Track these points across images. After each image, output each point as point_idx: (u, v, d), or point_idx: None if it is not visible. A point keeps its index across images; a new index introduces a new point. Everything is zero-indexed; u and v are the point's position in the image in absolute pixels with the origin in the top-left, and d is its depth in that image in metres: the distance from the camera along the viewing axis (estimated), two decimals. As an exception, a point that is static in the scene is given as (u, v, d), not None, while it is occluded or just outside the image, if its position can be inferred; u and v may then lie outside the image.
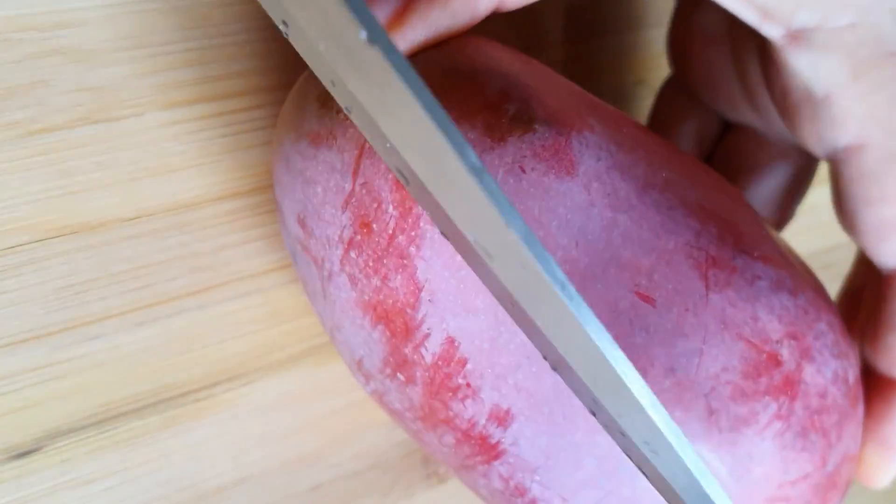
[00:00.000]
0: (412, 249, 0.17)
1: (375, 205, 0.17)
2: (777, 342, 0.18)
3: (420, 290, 0.17)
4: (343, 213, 0.18)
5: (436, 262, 0.17)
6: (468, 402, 0.18)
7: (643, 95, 0.31)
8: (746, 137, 0.26)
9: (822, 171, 0.34)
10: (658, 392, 0.17)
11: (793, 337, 0.18)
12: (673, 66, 0.27)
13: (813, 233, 0.37)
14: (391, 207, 0.17)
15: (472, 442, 0.18)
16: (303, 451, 0.26)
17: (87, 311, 0.22)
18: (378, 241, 0.17)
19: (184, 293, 0.23)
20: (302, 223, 0.19)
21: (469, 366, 0.17)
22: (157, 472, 0.24)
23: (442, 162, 0.13)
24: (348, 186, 0.18)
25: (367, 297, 0.18)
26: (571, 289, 0.13)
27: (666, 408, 0.17)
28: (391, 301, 0.18)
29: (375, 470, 0.28)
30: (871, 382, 0.22)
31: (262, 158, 0.24)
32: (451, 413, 0.18)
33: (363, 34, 0.12)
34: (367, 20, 0.12)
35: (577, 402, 0.17)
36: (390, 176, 0.17)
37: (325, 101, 0.18)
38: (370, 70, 0.13)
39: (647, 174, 0.18)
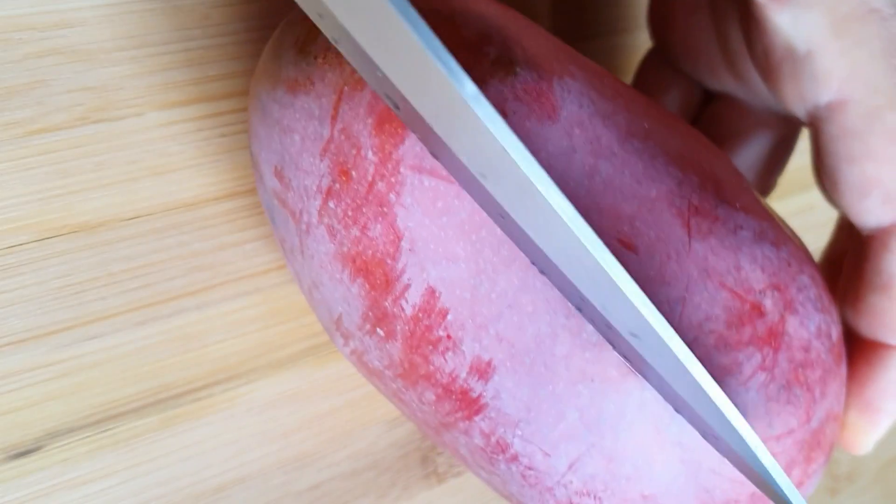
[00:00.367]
0: (392, 196, 0.17)
1: (354, 151, 0.17)
2: (760, 292, 0.18)
3: (400, 238, 0.17)
4: (321, 160, 0.17)
5: (416, 210, 0.17)
6: (448, 354, 0.18)
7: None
8: (727, 107, 0.26)
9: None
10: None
11: (776, 288, 0.18)
12: (654, 37, 0.27)
13: (813, 233, 0.37)
14: (370, 153, 0.17)
15: (453, 397, 0.18)
16: (302, 450, 0.26)
17: (87, 311, 0.22)
18: (357, 189, 0.17)
19: (183, 293, 0.23)
20: (279, 175, 0.18)
21: (450, 317, 0.17)
22: (156, 472, 0.24)
23: (437, 88, 0.13)
24: (326, 133, 0.17)
25: (345, 249, 0.17)
26: (564, 200, 0.13)
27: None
28: (370, 252, 0.17)
29: (374, 469, 0.28)
30: (853, 346, 0.22)
31: (261, 158, 0.24)
32: (431, 367, 0.18)
33: None
34: None
35: (559, 352, 0.17)
36: (369, 120, 0.17)
37: (303, 48, 0.18)
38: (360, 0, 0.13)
39: (628, 122, 0.18)
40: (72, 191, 0.21)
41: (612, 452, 0.17)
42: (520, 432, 0.18)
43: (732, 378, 0.17)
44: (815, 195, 0.35)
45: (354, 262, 0.18)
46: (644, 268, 0.17)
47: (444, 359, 0.18)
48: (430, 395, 0.18)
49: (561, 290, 0.17)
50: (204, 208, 0.23)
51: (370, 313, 0.18)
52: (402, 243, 0.17)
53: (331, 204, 0.17)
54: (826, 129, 0.19)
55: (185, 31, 0.21)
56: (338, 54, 0.17)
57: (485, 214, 0.17)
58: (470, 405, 0.18)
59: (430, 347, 0.18)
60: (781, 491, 0.16)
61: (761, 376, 0.18)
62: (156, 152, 0.22)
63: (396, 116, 0.16)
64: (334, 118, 0.17)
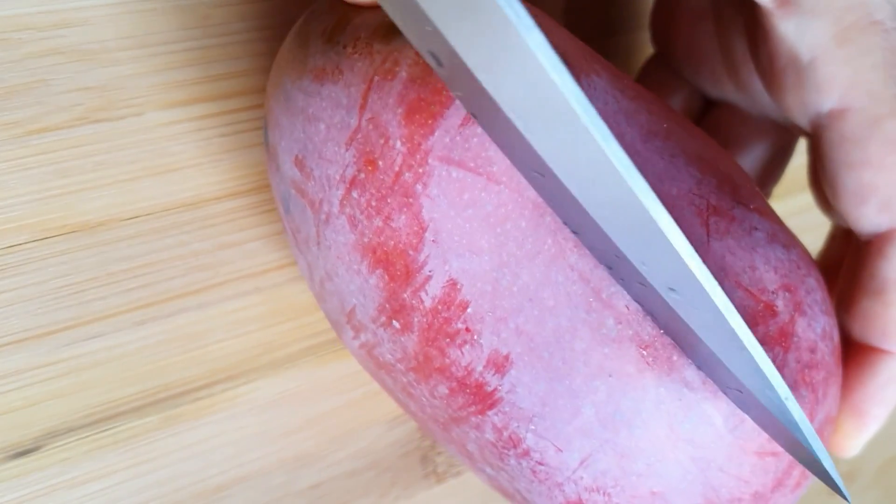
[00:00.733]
0: (419, 187, 0.17)
1: (382, 140, 0.17)
2: (773, 293, 0.18)
3: (424, 229, 0.17)
4: (347, 150, 0.17)
5: (442, 201, 0.17)
6: (466, 348, 0.18)
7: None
8: (727, 114, 0.27)
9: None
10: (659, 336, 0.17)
11: (787, 289, 0.18)
12: (656, 44, 0.27)
13: (813, 233, 0.37)
14: (399, 143, 0.17)
15: (467, 391, 0.18)
16: (302, 449, 0.26)
17: (87, 311, 0.22)
18: (383, 179, 0.17)
19: (183, 292, 0.23)
20: (300, 164, 0.18)
21: (470, 309, 0.17)
22: (156, 472, 0.24)
23: (494, 37, 0.13)
24: (354, 122, 0.17)
25: (367, 240, 0.17)
26: (619, 147, 0.13)
27: (666, 354, 0.17)
28: (393, 242, 0.17)
29: (374, 469, 0.28)
30: (846, 350, 0.22)
31: (262, 158, 0.24)
32: (447, 360, 0.18)
33: None
34: None
35: (578, 347, 0.17)
36: (399, 110, 0.17)
37: (331, 37, 0.18)
38: None
39: (649, 122, 0.18)
40: (72, 190, 0.21)
41: (625, 449, 0.18)
42: (533, 427, 0.18)
43: None
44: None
45: (375, 252, 0.17)
46: None
47: (461, 352, 0.18)
48: (443, 389, 0.18)
49: (593, 249, 0.16)
50: (204, 208, 0.23)
51: (387, 305, 0.18)
52: (426, 234, 0.17)
53: (354, 193, 0.17)
54: (827, 136, 0.20)
55: (185, 31, 0.21)
56: (368, 43, 0.17)
57: (510, 207, 0.17)
58: (484, 399, 0.18)
59: (448, 340, 0.18)
60: (809, 445, 0.16)
61: None
62: (156, 152, 0.22)
63: (427, 107, 0.16)
64: (363, 107, 0.17)
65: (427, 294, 0.17)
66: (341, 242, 0.18)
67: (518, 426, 0.18)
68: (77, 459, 0.23)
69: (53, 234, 0.21)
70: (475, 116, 0.16)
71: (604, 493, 0.18)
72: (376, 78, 0.17)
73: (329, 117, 0.18)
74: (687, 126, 0.20)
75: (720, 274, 0.18)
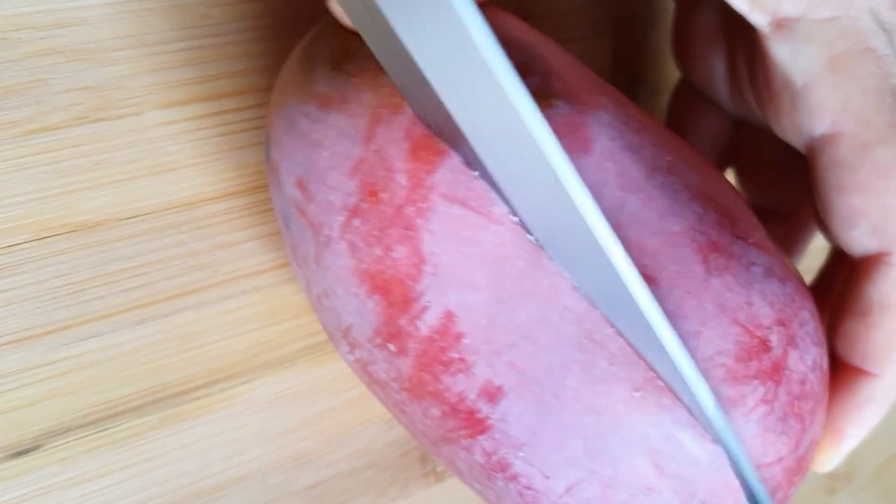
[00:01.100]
0: (420, 221, 0.17)
1: (386, 173, 0.17)
2: (768, 328, 0.18)
3: (424, 262, 0.17)
4: (350, 179, 0.17)
5: (443, 236, 0.17)
6: (460, 376, 0.18)
7: (640, 93, 0.31)
8: (754, 135, 0.27)
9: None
10: (654, 373, 0.18)
11: (781, 324, 0.18)
12: (678, 66, 0.27)
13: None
14: (403, 177, 0.17)
15: (459, 416, 0.18)
16: (300, 449, 0.26)
17: (85, 310, 0.22)
18: (385, 211, 0.17)
19: (181, 292, 0.23)
20: (302, 187, 0.18)
21: (465, 340, 0.17)
22: (154, 471, 0.24)
23: (494, 109, 0.13)
24: (359, 153, 0.17)
25: (365, 266, 0.18)
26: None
27: (655, 396, 0.18)
28: (392, 272, 0.17)
29: (372, 468, 0.28)
30: (830, 368, 0.22)
31: (260, 157, 0.24)
32: (440, 386, 0.18)
33: None
34: None
35: (569, 384, 0.17)
36: (405, 145, 0.17)
37: (338, 64, 0.18)
38: None
39: (653, 156, 0.19)
40: (70, 190, 0.21)
41: (610, 480, 0.18)
42: (522, 454, 0.18)
43: (736, 409, 0.18)
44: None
45: (373, 279, 0.18)
46: (664, 301, 0.17)
47: (455, 379, 0.18)
48: (435, 412, 0.19)
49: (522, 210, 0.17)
50: (202, 208, 0.23)
51: (383, 328, 0.18)
52: (425, 267, 0.17)
53: (355, 222, 0.18)
54: (819, 159, 0.20)
55: (184, 31, 0.21)
56: (375, 74, 0.18)
57: (510, 247, 0.17)
58: (475, 425, 0.18)
59: (442, 367, 0.18)
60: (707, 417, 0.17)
61: (762, 408, 0.18)
62: (154, 152, 0.22)
63: (432, 145, 0.17)
64: (368, 139, 0.17)
65: (423, 323, 0.18)
66: (340, 266, 0.18)
67: (507, 452, 0.18)
68: (76, 459, 0.23)
69: (52, 234, 0.21)
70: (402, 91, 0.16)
71: None
72: (384, 112, 0.17)
73: (333, 145, 0.18)
74: (690, 157, 0.20)
75: (718, 311, 0.18)
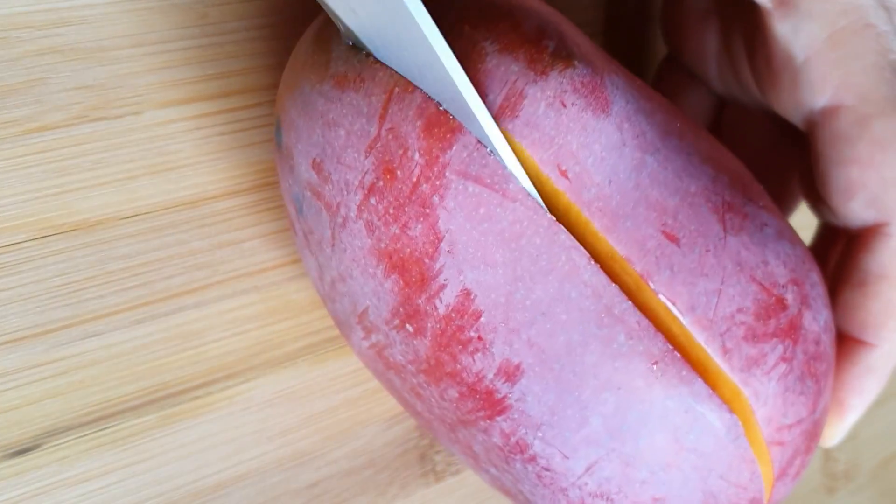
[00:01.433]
0: (435, 199, 0.17)
1: (401, 151, 0.17)
2: (783, 287, 0.19)
3: (440, 240, 0.17)
4: (366, 157, 0.18)
5: (458, 214, 0.17)
6: (478, 355, 0.18)
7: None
8: (738, 112, 0.27)
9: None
10: (681, 327, 0.18)
11: (795, 283, 0.19)
12: (666, 43, 0.27)
13: (810, 230, 0.37)
14: (417, 155, 0.17)
15: (478, 397, 0.18)
16: (299, 448, 0.27)
17: (85, 309, 0.22)
18: (401, 189, 0.17)
19: (181, 291, 0.23)
20: (318, 167, 0.19)
21: (483, 319, 0.18)
22: (154, 470, 0.24)
23: None
24: (374, 131, 0.17)
25: (383, 245, 0.18)
26: None
27: (686, 345, 0.18)
28: (409, 250, 0.17)
29: (372, 467, 0.28)
30: None
31: (260, 157, 0.24)
32: (458, 366, 0.18)
33: None
34: None
35: (589, 360, 0.17)
36: (418, 123, 0.17)
37: (355, 44, 0.18)
38: None
39: (665, 121, 0.19)
40: (70, 189, 0.21)
41: (630, 458, 0.18)
42: (541, 434, 0.18)
43: (758, 368, 0.18)
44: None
45: (391, 258, 0.18)
46: (685, 259, 0.18)
47: (473, 359, 0.18)
48: (453, 393, 0.19)
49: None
50: (202, 207, 0.23)
51: (401, 309, 0.18)
52: (442, 245, 0.17)
53: (372, 200, 0.18)
54: (818, 133, 0.21)
55: (183, 30, 0.21)
56: None
57: (525, 224, 0.17)
58: (494, 405, 0.18)
59: (460, 347, 0.18)
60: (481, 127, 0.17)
61: (782, 367, 0.18)
62: (154, 151, 0.22)
63: (446, 122, 0.17)
64: (383, 117, 0.17)
65: (441, 302, 0.18)
66: (357, 246, 0.18)
67: (526, 433, 0.18)
68: (75, 458, 0.23)
69: (51, 233, 0.21)
70: None
71: (607, 499, 0.18)
72: (397, 89, 0.17)
73: (349, 124, 0.18)
74: (695, 126, 0.20)
75: (737, 269, 0.18)
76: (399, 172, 0.17)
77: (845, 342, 0.22)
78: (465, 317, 0.18)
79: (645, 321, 0.17)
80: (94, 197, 0.21)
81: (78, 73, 0.20)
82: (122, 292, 0.22)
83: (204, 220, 0.23)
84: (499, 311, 0.17)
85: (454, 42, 0.18)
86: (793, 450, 0.19)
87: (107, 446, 0.23)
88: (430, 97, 0.17)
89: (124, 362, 0.23)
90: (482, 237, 0.17)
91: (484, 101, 0.17)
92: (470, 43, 0.18)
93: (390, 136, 0.17)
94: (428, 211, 0.17)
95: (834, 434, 0.23)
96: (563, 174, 0.17)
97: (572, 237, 0.17)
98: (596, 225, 0.18)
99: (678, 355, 0.17)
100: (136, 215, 0.22)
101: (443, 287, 0.18)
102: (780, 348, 0.18)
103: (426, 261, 0.17)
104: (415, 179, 0.17)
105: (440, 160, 0.17)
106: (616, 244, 0.18)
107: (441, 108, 0.17)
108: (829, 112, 0.20)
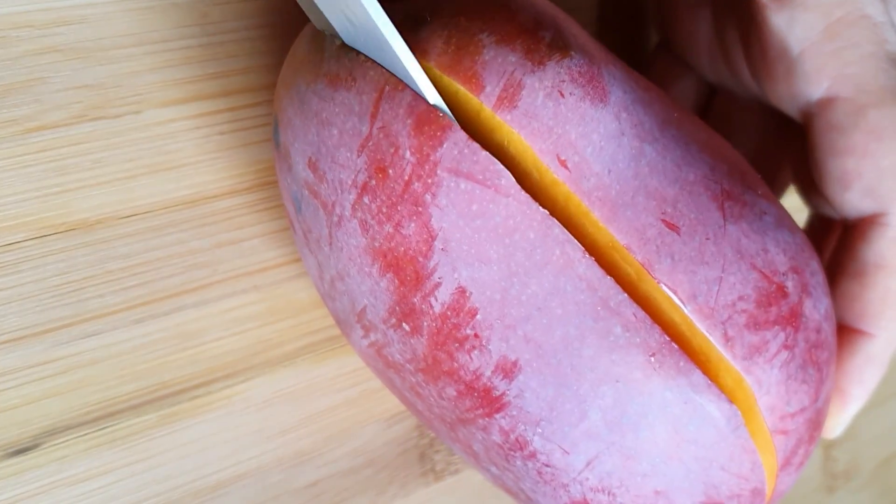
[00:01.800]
0: (428, 197, 0.17)
1: (392, 150, 0.17)
2: (783, 274, 0.19)
3: (433, 238, 0.17)
4: (359, 156, 0.18)
5: (451, 211, 0.17)
6: (475, 353, 0.18)
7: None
8: (729, 101, 0.27)
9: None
10: (683, 316, 0.18)
11: (795, 271, 0.19)
12: (658, 30, 0.27)
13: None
14: (408, 153, 0.17)
15: (475, 394, 0.18)
16: (299, 447, 0.27)
17: (85, 309, 0.22)
18: (393, 187, 0.17)
19: (181, 290, 0.23)
20: (314, 166, 0.19)
21: (479, 316, 0.18)
22: (153, 470, 0.24)
23: None
24: (365, 130, 0.17)
25: (377, 244, 0.18)
26: None
27: (687, 334, 0.18)
28: (403, 249, 0.18)
29: (372, 467, 0.28)
30: None
31: (260, 156, 0.24)
32: (455, 364, 0.18)
33: None
34: None
35: (586, 353, 0.17)
36: (409, 121, 0.17)
37: (346, 43, 0.18)
38: None
39: (663, 111, 0.19)
40: (70, 188, 0.21)
41: (630, 451, 0.18)
42: (540, 430, 0.18)
43: (760, 356, 0.18)
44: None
45: (385, 257, 0.18)
46: (686, 248, 0.18)
47: (470, 357, 0.18)
48: (451, 391, 0.19)
49: None
50: (202, 206, 0.23)
51: (397, 308, 0.18)
52: (436, 243, 0.17)
53: (365, 199, 0.18)
54: (814, 124, 0.21)
55: (183, 29, 0.21)
56: None
57: (518, 219, 0.17)
58: (492, 403, 0.18)
59: (457, 345, 0.18)
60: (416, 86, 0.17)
61: (784, 354, 0.18)
62: (154, 150, 0.22)
63: (436, 120, 0.17)
64: (374, 116, 0.17)
65: (436, 300, 0.18)
66: (353, 245, 0.18)
67: (525, 429, 0.18)
68: (75, 457, 0.23)
69: (51, 232, 0.21)
70: None
71: (608, 494, 0.18)
72: (387, 88, 0.17)
73: (342, 123, 0.18)
74: (691, 116, 0.20)
75: (737, 257, 0.18)
76: (391, 171, 0.17)
77: (844, 332, 0.22)
78: (461, 314, 0.18)
79: (641, 313, 0.17)
80: (93, 196, 0.21)
81: (78, 73, 0.20)
82: (121, 292, 0.22)
83: (203, 220, 0.23)
84: (494, 308, 0.17)
85: (451, 35, 0.18)
86: (797, 439, 0.19)
87: (106, 446, 0.23)
88: (419, 95, 0.17)
89: (124, 362, 0.23)
90: (475, 234, 0.17)
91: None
92: (467, 35, 0.18)
93: (382, 135, 0.17)
94: (420, 209, 0.17)
95: (836, 425, 0.23)
96: (563, 164, 0.17)
97: (566, 231, 0.17)
98: (596, 214, 0.18)
99: (675, 346, 0.17)
100: (136, 214, 0.22)
101: (438, 285, 0.18)
102: (781, 336, 0.18)
103: (420, 259, 0.17)
104: (407, 178, 0.17)
105: (431, 158, 0.17)
106: (616, 233, 0.18)
107: (431, 106, 0.17)
108: (825, 103, 0.20)
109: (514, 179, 0.17)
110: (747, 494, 0.19)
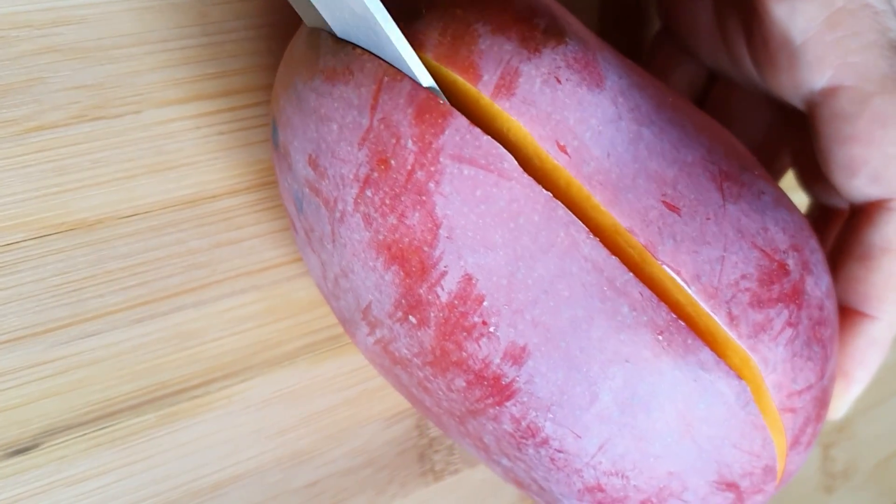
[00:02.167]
0: (431, 185, 0.17)
1: (394, 140, 0.17)
2: (784, 252, 0.19)
3: (438, 226, 0.17)
4: (360, 150, 0.18)
5: (455, 198, 0.17)
6: (483, 341, 0.18)
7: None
8: (729, 88, 0.28)
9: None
10: (687, 297, 0.18)
11: (795, 249, 0.19)
12: (660, 16, 0.27)
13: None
14: (410, 142, 0.17)
15: (485, 383, 0.18)
16: (298, 447, 0.27)
17: (84, 309, 0.22)
18: (396, 178, 0.17)
19: (180, 290, 0.23)
20: (314, 164, 0.19)
21: (486, 303, 0.18)
22: (153, 469, 0.24)
23: None
24: (365, 122, 0.17)
25: (381, 237, 0.18)
26: None
27: (693, 314, 0.18)
28: (407, 239, 0.18)
29: (371, 466, 0.28)
30: None
31: (259, 156, 0.24)
32: (464, 354, 0.18)
33: None
34: None
35: (594, 335, 0.17)
36: (409, 110, 0.17)
37: (341, 37, 0.18)
38: None
39: (658, 95, 0.19)
40: (69, 188, 0.21)
41: (642, 432, 0.18)
42: (551, 416, 0.18)
43: (765, 334, 0.18)
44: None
45: (390, 249, 0.18)
46: (688, 228, 0.18)
47: (478, 345, 0.18)
48: (460, 382, 0.19)
49: None
50: (202, 206, 0.23)
51: (403, 301, 0.18)
52: (440, 231, 0.17)
53: (368, 192, 0.18)
54: (819, 113, 0.21)
55: (182, 29, 0.21)
56: None
57: (522, 202, 0.17)
58: (502, 391, 0.18)
59: (465, 334, 0.18)
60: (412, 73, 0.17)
61: (788, 332, 0.18)
62: (153, 150, 0.22)
63: (437, 107, 0.17)
64: (374, 108, 0.17)
65: (443, 289, 0.18)
66: (356, 240, 0.18)
67: (536, 415, 0.18)
68: (74, 457, 0.23)
69: (51, 232, 0.21)
70: None
71: (622, 477, 0.19)
72: (386, 78, 0.17)
73: (341, 117, 0.18)
74: (685, 101, 0.20)
75: (738, 236, 0.18)
76: (393, 162, 0.17)
77: (848, 315, 0.22)
78: (468, 302, 0.18)
79: (647, 292, 0.17)
80: (93, 196, 0.21)
81: (77, 73, 0.20)
82: (120, 291, 0.22)
83: (203, 220, 0.23)
84: (501, 294, 0.17)
85: (447, 26, 0.18)
86: (804, 416, 0.19)
87: (105, 445, 0.23)
88: (419, 83, 0.17)
89: (123, 361, 0.23)
90: (480, 219, 0.17)
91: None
92: (462, 25, 0.18)
93: (382, 126, 0.17)
94: (424, 198, 0.17)
95: (840, 406, 0.23)
96: (562, 149, 0.17)
97: (570, 212, 0.17)
98: (597, 198, 0.18)
99: (683, 324, 0.17)
100: (136, 214, 0.22)
101: (444, 274, 0.18)
102: (785, 313, 0.18)
103: (425, 249, 0.17)
104: (409, 167, 0.17)
105: (433, 145, 0.17)
106: (619, 216, 0.18)
107: (431, 93, 0.17)
108: (829, 92, 0.20)
109: (516, 162, 0.17)
110: (759, 472, 0.19)
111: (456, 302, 0.18)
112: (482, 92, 0.17)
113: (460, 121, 0.17)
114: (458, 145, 0.17)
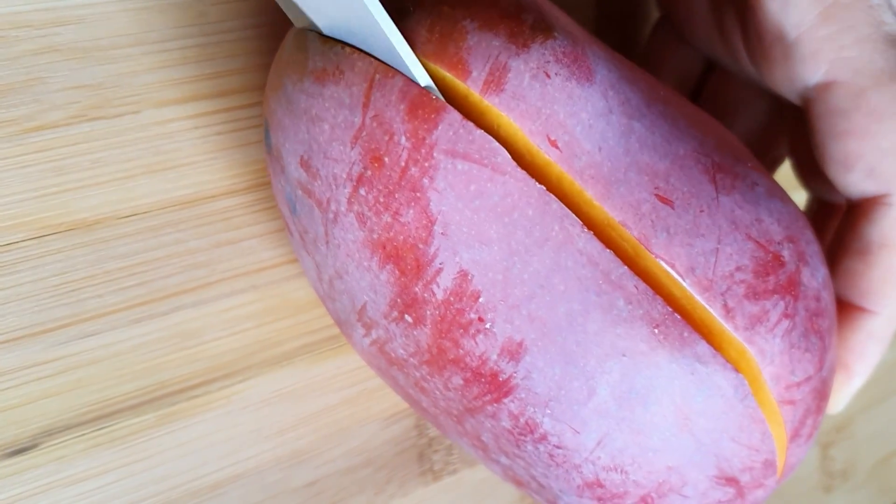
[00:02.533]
0: (425, 181, 0.17)
1: (387, 137, 0.17)
2: (779, 243, 0.19)
3: (433, 222, 0.17)
4: (352, 148, 0.18)
5: (449, 194, 0.17)
6: (479, 337, 0.18)
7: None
8: (726, 79, 0.28)
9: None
10: (682, 290, 0.18)
11: (790, 240, 0.19)
12: (659, 7, 0.27)
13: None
14: (403, 139, 0.17)
15: (482, 380, 0.18)
16: (297, 447, 0.27)
17: (83, 309, 0.22)
18: (390, 175, 0.17)
19: (179, 290, 0.23)
20: (306, 165, 0.19)
21: (482, 299, 0.18)
22: (152, 469, 0.24)
23: None
24: (358, 120, 0.17)
25: (376, 236, 0.18)
26: None
27: (688, 307, 0.18)
28: (402, 237, 0.17)
29: (370, 466, 0.28)
30: None
31: (257, 156, 0.24)
32: (461, 351, 0.18)
33: None
34: None
35: (591, 329, 0.17)
36: (402, 106, 0.17)
37: (329, 37, 0.18)
38: None
39: (649, 89, 0.19)
40: (68, 188, 0.21)
41: (640, 426, 0.18)
42: (549, 411, 0.18)
43: (762, 325, 0.18)
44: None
45: (385, 248, 0.18)
46: (681, 220, 0.18)
47: (475, 341, 0.18)
48: (457, 380, 0.19)
49: None
50: (201, 206, 0.23)
51: (399, 300, 0.18)
52: (435, 227, 0.17)
53: (361, 191, 0.18)
54: (814, 108, 0.21)
55: (182, 29, 0.21)
56: None
57: (517, 196, 0.17)
58: (500, 387, 0.18)
59: (461, 331, 0.18)
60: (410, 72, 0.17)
61: (785, 323, 0.18)
62: (152, 150, 0.22)
63: (429, 102, 0.17)
64: (366, 106, 0.17)
65: (438, 286, 0.18)
66: (350, 240, 0.18)
67: (534, 411, 0.18)
68: (73, 457, 0.23)
69: (50, 232, 0.21)
70: None
71: (621, 472, 0.19)
72: (377, 76, 0.17)
73: (332, 117, 0.18)
74: (676, 94, 0.20)
75: (732, 228, 0.18)
76: (387, 159, 0.17)
77: (847, 309, 0.22)
78: (464, 299, 0.18)
79: (643, 285, 0.17)
80: (92, 196, 0.21)
81: (76, 73, 0.20)
82: (120, 291, 0.22)
83: (202, 220, 0.23)
84: (497, 289, 0.17)
85: (434, 23, 0.18)
86: (804, 409, 0.19)
87: (105, 445, 0.23)
88: (411, 79, 0.17)
89: (122, 361, 0.23)
90: (475, 215, 0.17)
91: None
92: (450, 22, 0.18)
93: (375, 124, 0.17)
94: (419, 194, 0.17)
95: (840, 400, 0.23)
96: (553, 144, 0.17)
97: (564, 206, 0.17)
98: (590, 193, 0.18)
99: (678, 317, 0.17)
100: (135, 214, 0.22)
101: (439, 271, 0.18)
102: (781, 304, 0.18)
103: (420, 246, 0.17)
104: (403, 164, 0.17)
105: (427, 141, 0.17)
106: (611, 210, 0.18)
107: (423, 88, 0.17)
108: (824, 87, 0.20)
109: (510, 156, 0.17)
110: (759, 467, 0.19)
111: (452, 299, 0.18)
112: (471, 88, 0.17)
113: (453, 115, 0.17)
114: (451, 140, 0.17)
